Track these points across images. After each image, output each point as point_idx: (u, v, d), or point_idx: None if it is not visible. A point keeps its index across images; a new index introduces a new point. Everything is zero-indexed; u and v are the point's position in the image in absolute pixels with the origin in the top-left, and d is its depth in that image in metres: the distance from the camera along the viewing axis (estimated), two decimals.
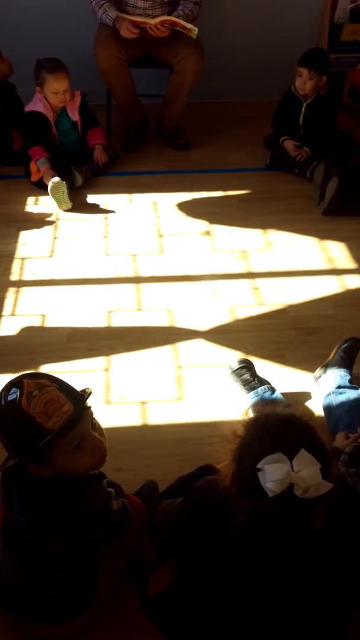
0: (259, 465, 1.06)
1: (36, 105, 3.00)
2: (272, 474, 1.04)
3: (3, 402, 1.22)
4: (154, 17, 2.99)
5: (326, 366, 2.04)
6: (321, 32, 3.59)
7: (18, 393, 1.20)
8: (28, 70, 3.00)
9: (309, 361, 2.12)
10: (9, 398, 1.21)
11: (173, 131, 3.39)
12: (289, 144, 3.14)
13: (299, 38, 3.44)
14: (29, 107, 3.02)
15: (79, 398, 1.24)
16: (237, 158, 3.30)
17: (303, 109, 3.12)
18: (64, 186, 2.85)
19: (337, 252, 2.68)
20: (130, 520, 1.43)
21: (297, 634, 1.24)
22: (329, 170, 2.87)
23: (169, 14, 3.05)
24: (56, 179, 2.84)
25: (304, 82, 3.05)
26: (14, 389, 1.22)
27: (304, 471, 1.04)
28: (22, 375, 1.24)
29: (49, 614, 1.35)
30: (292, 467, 1.05)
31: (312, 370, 2.07)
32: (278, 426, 1.12)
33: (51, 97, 2.98)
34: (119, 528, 1.38)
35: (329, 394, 1.93)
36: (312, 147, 3.11)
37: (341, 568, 1.27)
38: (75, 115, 3.09)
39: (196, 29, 2.95)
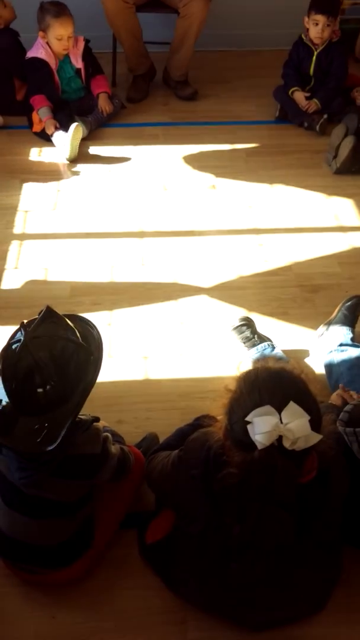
0: (248, 418, 1.08)
1: (38, 51, 2.91)
2: (261, 426, 1.06)
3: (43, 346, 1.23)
4: None
5: (329, 324, 2.03)
6: None
7: (50, 321, 1.27)
8: (31, 15, 2.90)
9: (313, 319, 2.11)
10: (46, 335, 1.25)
11: (180, 81, 3.30)
12: (299, 96, 3.04)
13: None
14: (30, 53, 2.94)
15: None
16: (245, 110, 3.22)
17: (314, 58, 3.02)
18: (81, 132, 2.80)
19: (343, 209, 2.63)
20: (130, 469, 1.47)
21: (289, 582, 1.28)
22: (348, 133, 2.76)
23: None
24: (76, 123, 2.78)
25: (322, 30, 2.92)
26: (42, 326, 1.26)
27: (292, 423, 1.06)
28: (42, 312, 1.29)
29: (50, 561, 1.39)
30: (281, 419, 1.07)
31: (315, 327, 2.06)
32: (267, 379, 1.13)
33: (55, 43, 2.88)
34: (120, 472, 1.42)
35: (331, 352, 1.94)
36: (322, 98, 3.02)
37: (333, 517, 1.30)
38: (78, 62, 3.00)
39: None
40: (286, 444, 1.07)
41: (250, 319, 2.05)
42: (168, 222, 2.56)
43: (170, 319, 2.14)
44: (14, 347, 1.23)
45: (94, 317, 2.11)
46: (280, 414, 1.07)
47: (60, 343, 1.24)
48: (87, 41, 3.00)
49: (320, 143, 2.92)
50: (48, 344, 1.22)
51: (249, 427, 1.08)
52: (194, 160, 2.90)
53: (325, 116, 2.98)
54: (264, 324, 2.09)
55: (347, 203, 2.66)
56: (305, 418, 1.08)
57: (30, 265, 2.34)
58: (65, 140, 2.80)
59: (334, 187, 2.73)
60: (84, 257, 2.38)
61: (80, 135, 2.82)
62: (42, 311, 1.28)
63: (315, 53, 3.01)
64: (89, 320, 1.36)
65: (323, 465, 1.19)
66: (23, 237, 2.47)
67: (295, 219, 2.58)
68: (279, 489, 1.11)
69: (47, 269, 2.33)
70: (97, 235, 2.49)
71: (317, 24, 2.93)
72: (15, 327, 1.29)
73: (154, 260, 2.37)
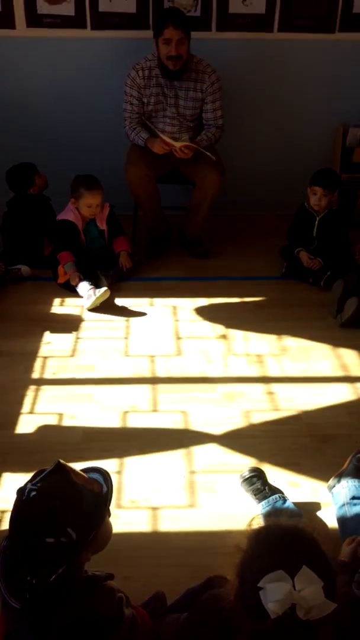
0: (260, 584, 1.04)
1: (67, 214, 3.24)
2: (274, 593, 1.02)
3: (53, 494, 1.22)
4: (179, 139, 3.28)
5: (340, 476, 2.02)
6: (334, 155, 3.87)
7: (60, 475, 1.25)
8: (63, 182, 3.27)
9: (324, 469, 2.10)
10: (57, 485, 1.23)
11: (194, 241, 3.60)
12: (304, 255, 3.29)
13: (313, 159, 3.70)
14: (60, 216, 3.27)
15: (88, 469, 1.36)
16: (253, 267, 3.46)
17: (316, 223, 3.31)
18: (107, 295, 3.03)
19: (351, 360, 2.72)
20: (137, 633, 1.39)
21: None
22: (348, 288, 2.97)
23: (194, 136, 3.35)
24: (105, 288, 3.04)
25: (319, 199, 3.26)
26: (51, 477, 1.25)
27: (305, 590, 1.02)
28: (53, 465, 1.28)
29: None
30: (293, 585, 1.03)
31: (326, 479, 2.05)
32: (279, 540, 1.10)
33: (84, 209, 3.22)
34: (128, 637, 1.34)
35: (343, 505, 1.90)
36: (325, 258, 3.26)
37: None
38: (102, 225, 3.32)
39: (214, 158, 3.21)
40: (300, 613, 1.01)
41: (261, 470, 2.04)
42: (180, 369, 2.65)
43: (181, 468, 2.14)
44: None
45: (104, 464, 2.12)
46: (293, 579, 1.03)
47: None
48: (112, 207, 3.35)
49: (325, 297, 3.09)
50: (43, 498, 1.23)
51: (261, 593, 1.04)
52: (205, 312, 3.07)
53: (328, 273, 3.20)
54: (275, 474, 2.08)
55: (354, 354, 2.76)
56: (319, 584, 1.03)
57: (45, 410, 2.40)
58: (91, 296, 3.02)
59: (340, 339, 2.85)
60: (98, 402, 2.44)
61: (106, 297, 3.05)
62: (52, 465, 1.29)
63: (318, 218, 3.31)
64: (104, 475, 1.35)
65: (338, 633, 1.13)
66: (40, 382, 2.57)
67: (304, 369, 2.66)
68: None
69: (62, 414, 2.38)
70: (112, 381, 2.57)
71: (315, 194, 3.26)
72: (25, 474, 1.34)
73: (166, 407, 2.42)
